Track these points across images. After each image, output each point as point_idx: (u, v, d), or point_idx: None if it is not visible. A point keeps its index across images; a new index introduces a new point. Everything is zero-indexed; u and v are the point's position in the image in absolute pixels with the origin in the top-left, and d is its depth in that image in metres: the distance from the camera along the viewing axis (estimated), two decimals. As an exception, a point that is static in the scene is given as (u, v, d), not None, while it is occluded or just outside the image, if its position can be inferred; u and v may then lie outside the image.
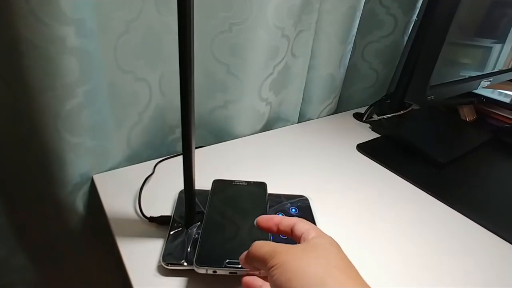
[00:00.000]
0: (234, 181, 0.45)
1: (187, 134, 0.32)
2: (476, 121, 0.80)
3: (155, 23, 0.46)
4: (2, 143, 0.41)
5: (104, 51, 0.41)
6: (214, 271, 0.31)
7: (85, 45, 0.37)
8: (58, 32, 0.34)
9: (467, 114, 0.79)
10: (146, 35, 0.46)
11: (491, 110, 0.79)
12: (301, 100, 0.69)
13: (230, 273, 0.31)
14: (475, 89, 0.66)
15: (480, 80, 0.64)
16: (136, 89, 0.48)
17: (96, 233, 0.52)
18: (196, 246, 0.33)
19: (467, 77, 0.62)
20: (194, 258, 0.31)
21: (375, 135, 0.68)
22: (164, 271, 0.34)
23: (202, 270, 0.31)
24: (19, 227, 0.48)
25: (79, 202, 0.48)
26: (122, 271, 0.35)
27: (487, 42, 0.63)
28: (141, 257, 0.35)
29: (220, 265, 0.31)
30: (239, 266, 0.30)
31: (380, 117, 0.73)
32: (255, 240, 0.27)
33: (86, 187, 0.48)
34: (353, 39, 0.68)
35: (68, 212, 0.48)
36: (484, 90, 0.71)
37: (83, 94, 0.40)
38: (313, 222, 0.41)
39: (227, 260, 0.31)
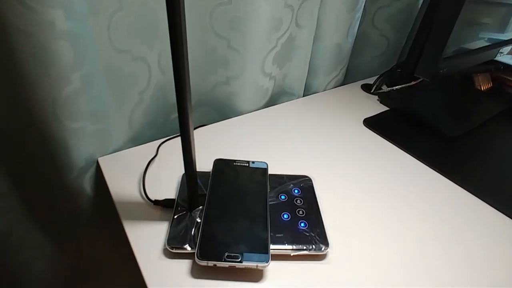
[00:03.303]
0: (235, 161, 0.44)
1: (184, 121, 0.31)
2: (491, 90, 0.75)
3: (149, -3, 0.44)
4: (3, 132, 0.41)
5: (97, 32, 0.39)
6: (214, 264, 0.32)
7: (76, 28, 0.36)
8: (45, 16, 0.32)
9: (482, 82, 0.75)
10: (141, 11, 0.43)
11: (508, 78, 0.74)
12: (307, 73, 0.67)
13: (229, 266, 0.32)
14: (493, 58, 0.62)
15: (499, 48, 0.60)
16: (134, 69, 0.47)
17: (106, 212, 0.54)
18: (198, 234, 0.34)
19: (484, 46, 0.58)
20: (196, 251, 0.32)
21: (383, 108, 0.66)
22: (169, 254, 0.35)
23: (203, 263, 0.32)
24: (32, 210, 0.50)
25: (87, 185, 0.49)
26: (129, 249, 0.37)
27: (511, -1, 0.57)
28: (147, 240, 0.37)
29: (220, 259, 0.32)
30: (238, 259, 0.31)
31: (390, 88, 0.70)
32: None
33: (92, 170, 0.48)
34: (363, 6, 0.63)
35: (77, 195, 0.49)
36: (503, 56, 0.67)
37: (79, 79, 0.39)
38: (316, 203, 0.42)
39: (226, 254, 0.32)
